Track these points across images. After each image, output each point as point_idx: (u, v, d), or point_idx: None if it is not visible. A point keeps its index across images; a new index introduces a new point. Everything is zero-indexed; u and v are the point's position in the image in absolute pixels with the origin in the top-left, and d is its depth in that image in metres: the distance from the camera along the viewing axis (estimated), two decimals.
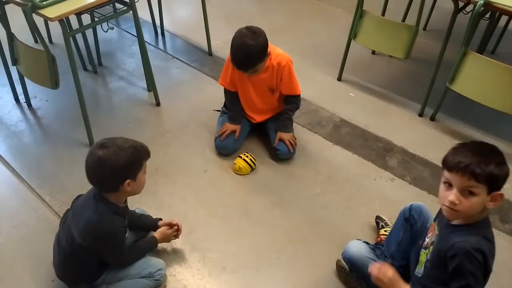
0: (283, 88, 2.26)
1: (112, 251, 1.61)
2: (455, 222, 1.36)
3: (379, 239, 1.91)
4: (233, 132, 2.34)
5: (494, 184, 1.25)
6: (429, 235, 1.48)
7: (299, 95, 2.32)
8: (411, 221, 1.68)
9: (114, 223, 1.54)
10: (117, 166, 1.44)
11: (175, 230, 1.85)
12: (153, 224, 1.85)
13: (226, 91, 2.37)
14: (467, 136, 2.50)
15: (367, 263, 1.62)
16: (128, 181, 1.48)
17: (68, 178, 2.23)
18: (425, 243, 1.48)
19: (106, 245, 1.57)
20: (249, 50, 1.98)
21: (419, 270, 1.46)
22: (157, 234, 1.81)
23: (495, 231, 2.00)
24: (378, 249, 1.77)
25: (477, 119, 2.61)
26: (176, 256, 1.89)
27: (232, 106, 2.38)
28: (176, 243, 1.93)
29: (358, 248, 1.70)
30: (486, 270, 1.29)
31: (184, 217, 2.00)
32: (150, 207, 2.05)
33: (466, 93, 2.33)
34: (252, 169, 2.27)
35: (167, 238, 1.85)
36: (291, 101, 2.32)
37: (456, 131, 2.55)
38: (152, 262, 1.74)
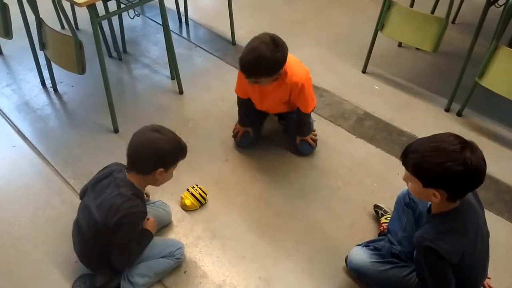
0: (297, 103, 2.15)
1: (126, 237, 1.56)
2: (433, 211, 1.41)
3: (381, 228, 1.90)
4: (247, 132, 2.30)
5: (423, 178, 1.29)
6: None
7: (310, 113, 2.20)
8: (411, 205, 1.69)
9: (138, 206, 1.57)
10: (161, 151, 1.56)
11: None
12: None
13: (238, 99, 2.29)
14: (494, 133, 2.44)
15: (373, 267, 1.66)
16: (161, 169, 1.58)
17: (92, 162, 2.26)
18: None
19: (124, 229, 1.53)
20: (260, 59, 1.83)
21: None
22: (147, 226, 1.74)
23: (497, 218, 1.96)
24: (382, 240, 1.76)
25: (506, 116, 2.54)
26: (196, 243, 1.91)
27: (242, 113, 2.30)
28: (197, 230, 1.95)
29: (359, 256, 1.72)
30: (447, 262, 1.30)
31: (204, 205, 2.04)
32: (172, 194, 2.08)
33: (495, 89, 2.27)
34: (201, 204, 2.05)
35: (154, 226, 1.79)
36: (302, 116, 2.19)
37: (483, 127, 2.49)
38: (171, 242, 1.80)
